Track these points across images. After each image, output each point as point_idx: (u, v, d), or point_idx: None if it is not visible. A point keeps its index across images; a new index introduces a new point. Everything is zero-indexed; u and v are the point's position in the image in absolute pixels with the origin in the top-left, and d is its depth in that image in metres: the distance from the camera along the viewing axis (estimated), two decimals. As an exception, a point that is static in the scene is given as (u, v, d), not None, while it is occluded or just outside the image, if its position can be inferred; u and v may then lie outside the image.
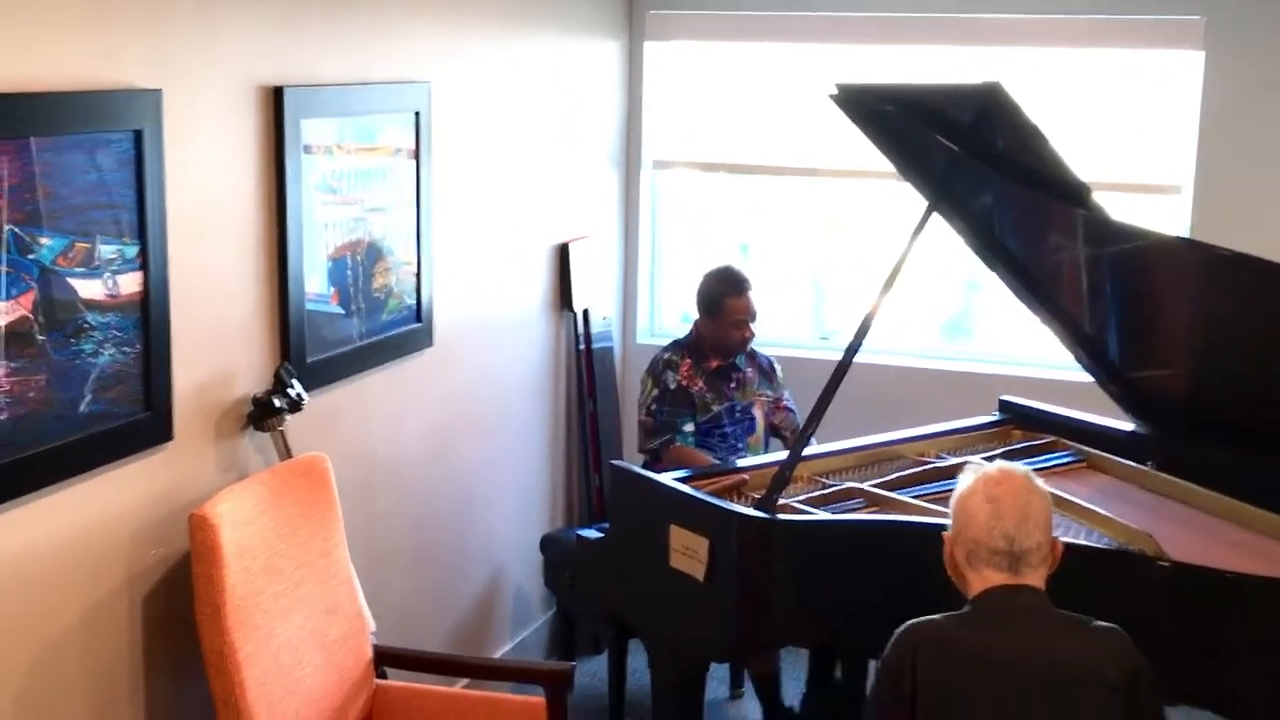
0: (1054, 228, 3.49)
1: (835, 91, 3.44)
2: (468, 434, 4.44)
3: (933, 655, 2.49)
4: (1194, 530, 3.62)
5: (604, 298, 5.36)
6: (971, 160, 3.30)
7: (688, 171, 5.64)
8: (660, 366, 4.48)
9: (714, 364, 4.50)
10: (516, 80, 4.55)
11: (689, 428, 4.40)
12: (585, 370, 5.13)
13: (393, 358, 3.92)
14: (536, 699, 3.38)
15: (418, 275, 3.99)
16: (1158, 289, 3.61)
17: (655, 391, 4.43)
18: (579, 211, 5.15)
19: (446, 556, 4.38)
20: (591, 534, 4.03)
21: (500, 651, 4.76)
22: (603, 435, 5.23)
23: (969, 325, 5.59)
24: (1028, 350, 5.24)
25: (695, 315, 4.58)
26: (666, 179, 5.63)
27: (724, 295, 4.42)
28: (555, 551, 4.74)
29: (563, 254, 4.99)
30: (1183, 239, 3.34)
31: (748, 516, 3.44)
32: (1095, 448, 4.17)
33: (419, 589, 4.17)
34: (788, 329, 5.54)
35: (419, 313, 4.01)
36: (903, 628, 2.56)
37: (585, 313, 5.12)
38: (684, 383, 4.43)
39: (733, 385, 4.52)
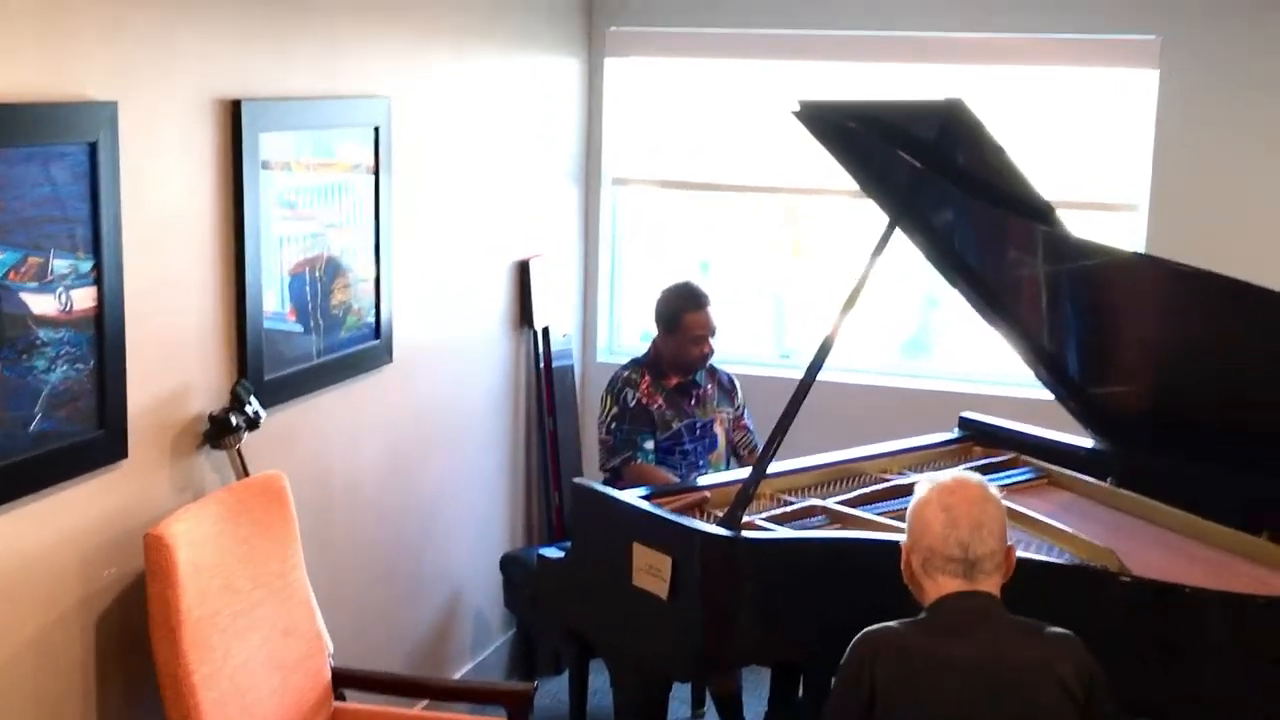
0: (1015, 244, 3.50)
1: (797, 108, 3.44)
2: (427, 452, 4.40)
3: (890, 660, 2.53)
4: (1155, 546, 3.63)
5: (564, 315, 5.33)
6: (934, 176, 3.30)
7: (647, 189, 5.63)
8: (619, 384, 4.45)
9: (673, 381, 4.48)
10: (476, 96, 4.53)
11: (649, 445, 4.37)
12: (545, 388, 5.10)
13: (351, 375, 3.87)
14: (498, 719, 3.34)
15: (376, 291, 3.95)
16: (1117, 305, 3.63)
17: (615, 409, 4.41)
18: (539, 228, 5.13)
19: (404, 576, 4.33)
20: (553, 553, 3.99)
21: (460, 672, 4.71)
22: (562, 453, 5.19)
23: (928, 343, 5.61)
24: (987, 368, 5.26)
25: (655, 332, 4.56)
26: (626, 196, 5.62)
27: (683, 310, 4.40)
28: (516, 571, 4.70)
29: (523, 271, 4.96)
30: (1142, 255, 3.37)
31: (711, 534, 3.42)
32: (1056, 464, 4.18)
33: (376, 609, 4.12)
34: (747, 346, 5.54)
35: (378, 329, 3.97)
36: (860, 635, 2.59)
37: (545, 330, 5.09)
38: (644, 400, 4.41)
39: (692, 402, 4.50)
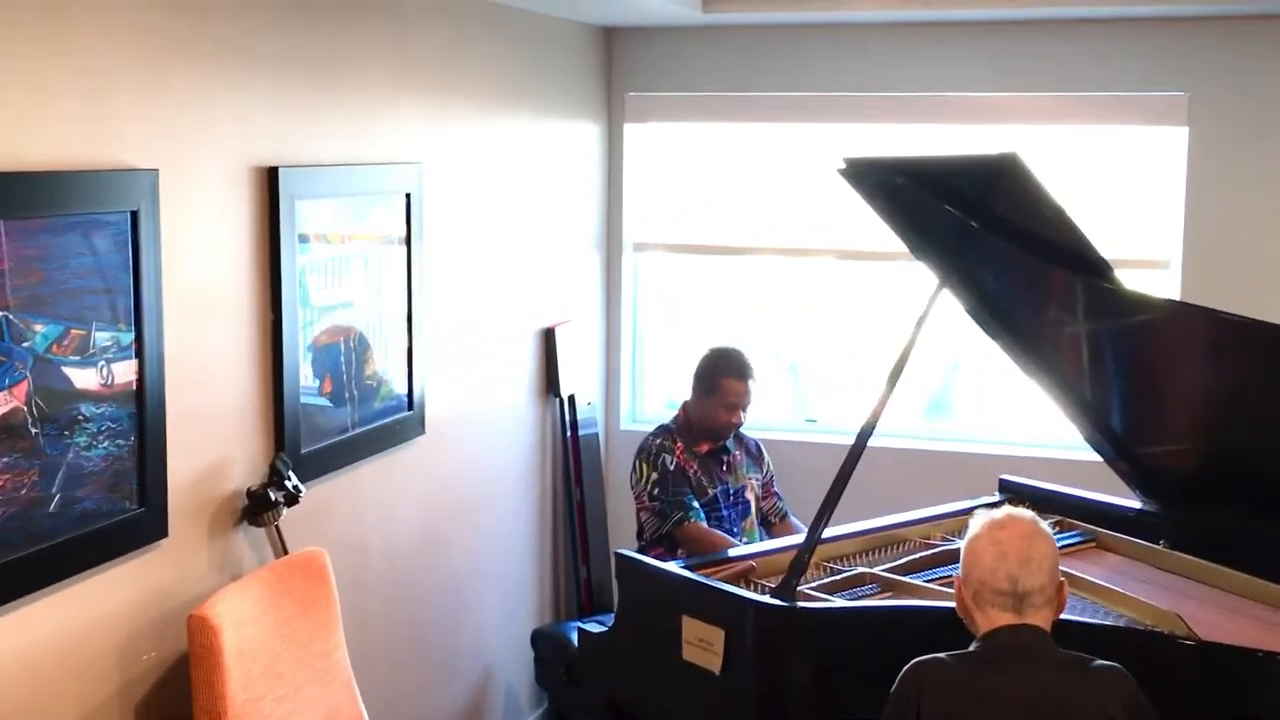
0: (1066, 299, 3.43)
1: (843, 165, 3.38)
2: (458, 525, 4.29)
3: (939, 692, 2.56)
4: (1216, 609, 3.53)
5: (588, 383, 5.24)
6: (984, 232, 3.23)
7: (667, 254, 5.56)
8: (654, 451, 4.37)
9: (705, 448, 4.41)
10: (500, 163, 4.47)
11: (696, 504, 4.27)
12: (573, 457, 5.00)
13: (385, 447, 3.78)
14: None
15: (409, 361, 3.86)
16: (1167, 359, 3.55)
17: (654, 475, 4.31)
18: (563, 295, 5.06)
19: (437, 651, 4.20)
20: (594, 627, 3.88)
21: (492, 752, 4.58)
22: (590, 524, 5.08)
23: (949, 405, 5.53)
24: (1011, 430, 5.22)
25: (680, 398, 4.48)
26: (647, 261, 5.56)
27: (723, 375, 4.34)
28: (547, 647, 4.58)
29: (548, 338, 4.88)
30: (1190, 305, 3.29)
31: (766, 605, 3.31)
32: (1102, 526, 4.09)
33: (410, 687, 3.99)
34: (768, 411, 5.44)
35: (410, 400, 3.88)
36: (909, 665, 2.62)
37: (571, 398, 5.00)
38: (680, 463, 4.33)
39: (724, 469, 4.42)
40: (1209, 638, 3.18)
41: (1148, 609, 3.39)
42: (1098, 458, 4.43)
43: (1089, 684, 2.54)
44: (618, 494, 5.34)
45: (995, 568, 2.59)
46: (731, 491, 4.41)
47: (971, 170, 3.22)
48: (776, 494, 4.57)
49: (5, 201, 2.40)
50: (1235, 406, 3.49)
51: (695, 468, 4.35)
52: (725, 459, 4.43)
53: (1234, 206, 4.77)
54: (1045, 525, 2.70)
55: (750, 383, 4.36)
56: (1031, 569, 2.59)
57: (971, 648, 2.65)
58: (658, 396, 5.62)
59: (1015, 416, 5.30)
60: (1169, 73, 4.78)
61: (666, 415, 5.42)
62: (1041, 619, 2.60)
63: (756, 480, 4.51)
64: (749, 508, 4.46)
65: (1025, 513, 2.72)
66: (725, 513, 4.38)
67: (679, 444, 4.38)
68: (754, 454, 4.55)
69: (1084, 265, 3.25)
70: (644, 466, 4.36)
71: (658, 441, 4.40)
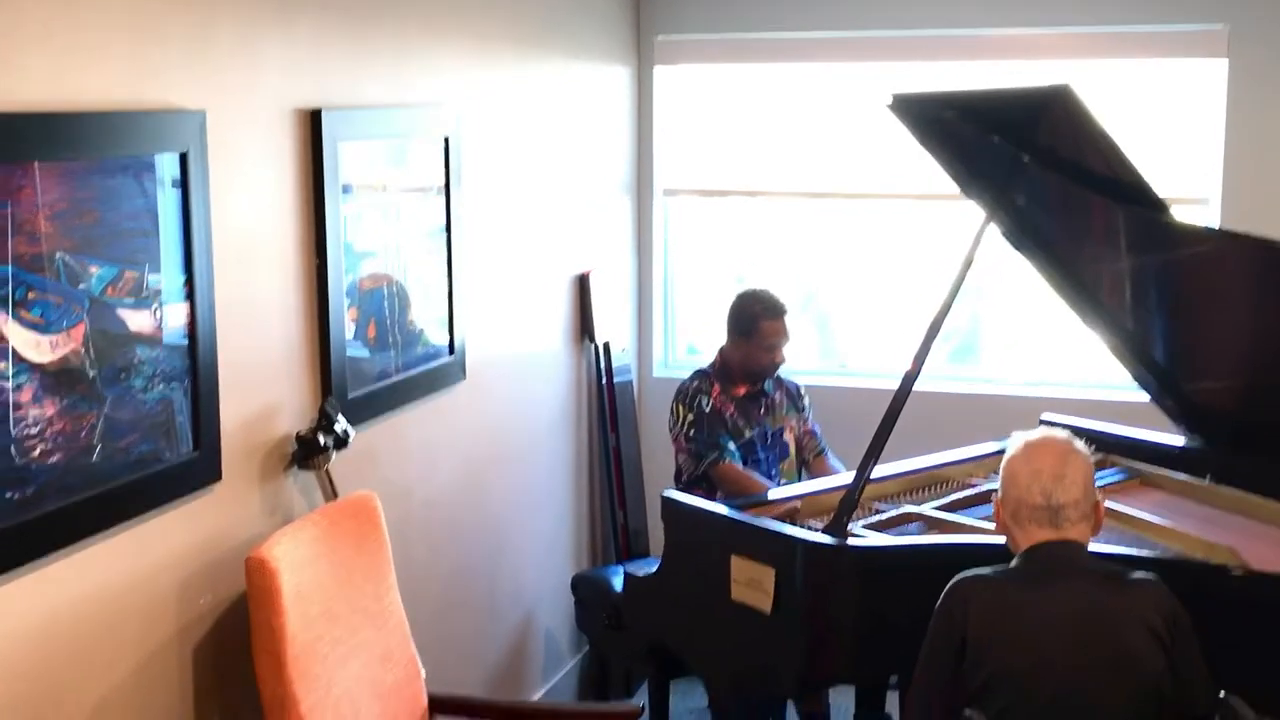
0: (1121, 233, 3.39)
1: (890, 101, 3.34)
2: (498, 471, 4.29)
3: (983, 606, 2.62)
4: (1264, 541, 3.52)
5: (622, 329, 5.22)
6: (1035, 164, 3.20)
7: (698, 199, 5.52)
8: (691, 393, 4.34)
9: (742, 390, 4.38)
10: (533, 108, 4.43)
11: (732, 445, 4.26)
12: (609, 403, 4.99)
13: (427, 393, 3.76)
14: (605, 743, 3.22)
15: (449, 307, 3.84)
16: (1219, 292, 3.51)
17: (690, 417, 4.29)
18: (596, 241, 5.03)
19: (480, 597, 4.21)
20: (640, 569, 3.88)
21: (535, 696, 4.59)
22: (625, 470, 5.08)
23: (976, 348, 5.50)
24: (1041, 371, 5.19)
25: (700, 349, 4.46)
26: (677, 207, 5.52)
27: (760, 317, 4.31)
28: (588, 591, 4.58)
29: (582, 284, 4.86)
30: (1249, 235, 3.24)
31: (818, 543, 3.30)
32: (1145, 463, 4.07)
33: (454, 632, 4.00)
34: (800, 357, 5.41)
35: (452, 345, 3.86)
36: (954, 580, 2.70)
37: (606, 345, 4.98)
38: (717, 405, 4.30)
39: (762, 411, 4.40)
40: (1263, 570, 3.17)
41: (1198, 543, 3.38)
42: (1133, 397, 4.42)
43: (1130, 596, 2.62)
44: (652, 441, 5.33)
45: (1030, 484, 2.66)
46: (769, 434, 4.39)
47: (1022, 103, 3.18)
48: (815, 433, 4.56)
49: (59, 141, 2.38)
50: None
51: (732, 410, 4.34)
52: (764, 401, 4.41)
53: (1275, 141, 4.70)
54: (1081, 444, 2.75)
55: (786, 320, 4.34)
56: (1066, 484, 2.65)
57: (1013, 564, 2.72)
58: (689, 342, 5.60)
59: (1046, 358, 5.28)
60: (1207, 4, 4.71)
61: (693, 360, 5.43)
62: (1079, 533, 2.67)
63: (796, 422, 4.49)
64: (787, 449, 4.44)
65: (1060, 431, 2.80)
66: (762, 455, 4.36)
67: (715, 387, 4.36)
68: (794, 396, 4.52)
69: (1135, 198, 3.21)
70: (680, 409, 4.34)
71: (694, 384, 4.38)
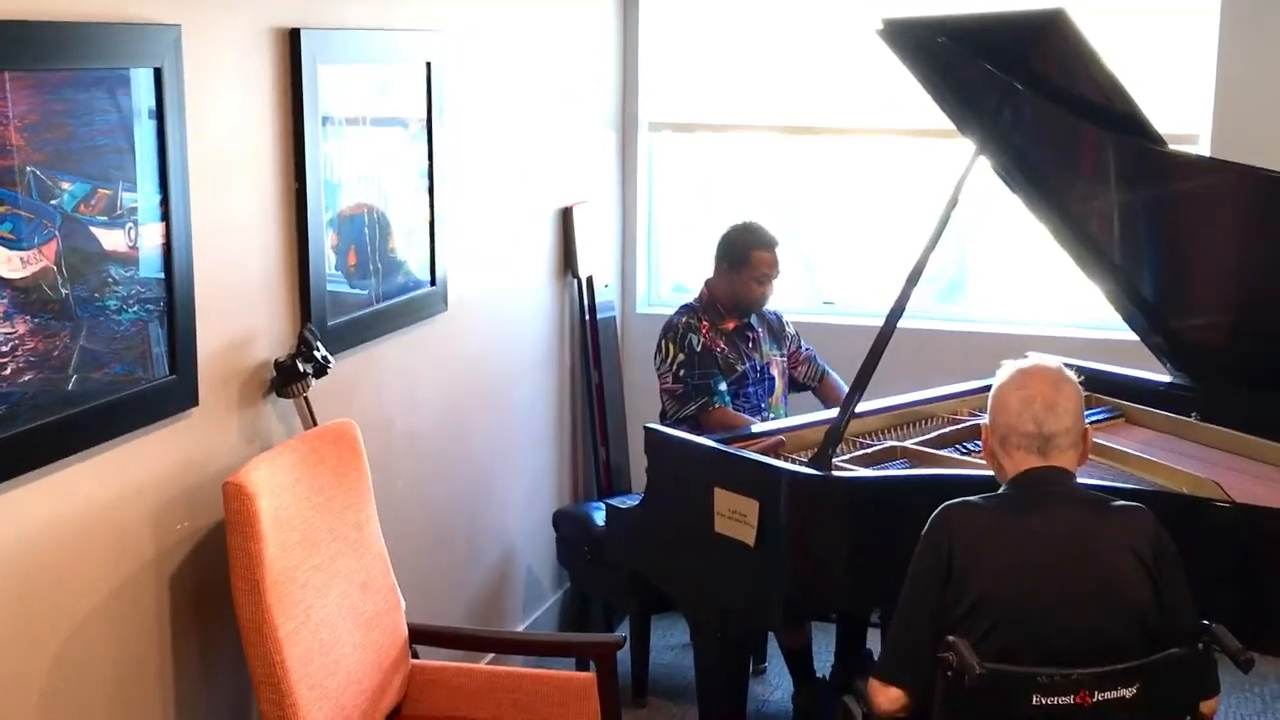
0: (1110, 162, 3.35)
1: (880, 26, 3.28)
2: (479, 404, 4.25)
3: (969, 530, 2.61)
4: (1249, 476, 3.52)
5: (605, 265, 5.17)
6: (1029, 92, 3.15)
7: (684, 135, 5.45)
8: (681, 330, 4.28)
9: (731, 324, 4.34)
10: (516, 36, 4.36)
11: (723, 387, 4.21)
12: (591, 339, 4.95)
13: (409, 323, 3.72)
14: (586, 674, 3.20)
15: (431, 236, 3.79)
16: (1209, 225, 3.49)
17: (680, 356, 4.24)
18: (580, 174, 4.97)
19: (461, 531, 4.18)
20: (623, 503, 3.86)
21: (517, 629, 4.57)
22: (608, 406, 5.04)
23: (963, 286, 5.47)
24: (1026, 311, 5.17)
25: (689, 287, 4.41)
26: (662, 141, 5.45)
27: (751, 247, 4.26)
28: (569, 527, 4.56)
29: (565, 218, 4.80)
30: (1245, 165, 3.21)
31: (802, 474, 3.28)
32: (1130, 401, 4.06)
33: (434, 566, 3.97)
34: (785, 295, 5.37)
35: (433, 276, 3.81)
36: (941, 508, 2.67)
37: (589, 280, 4.93)
38: (708, 344, 4.26)
39: (749, 345, 4.36)
40: (1246, 503, 3.17)
41: (1184, 477, 3.38)
42: (1119, 336, 4.40)
43: (1115, 521, 2.62)
44: (634, 377, 5.30)
45: (1021, 412, 2.62)
46: (758, 368, 4.35)
47: (1015, 27, 3.13)
48: (811, 357, 4.52)
49: (29, 51, 2.31)
50: (1269, 274, 3.44)
51: (722, 346, 4.29)
52: (750, 335, 4.37)
53: (1266, 79, 4.66)
54: (1071, 372, 2.72)
55: (777, 251, 4.29)
56: (1057, 413, 2.62)
57: (1001, 490, 2.70)
58: (675, 280, 5.56)
59: (1032, 297, 5.26)
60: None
61: (680, 299, 5.38)
62: (1066, 461, 2.65)
63: (780, 356, 4.45)
64: (774, 384, 4.41)
65: (1051, 359, 2.77)
66: (752, 389, 4.33)
67: (705, 322, 4.30)
68: (776, 329, 4.48)
69: (1130, 127, 3.17)
70: (670, 346, 4.28)
71: (683, 320, 4.32)
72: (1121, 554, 2.55)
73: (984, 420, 2.77)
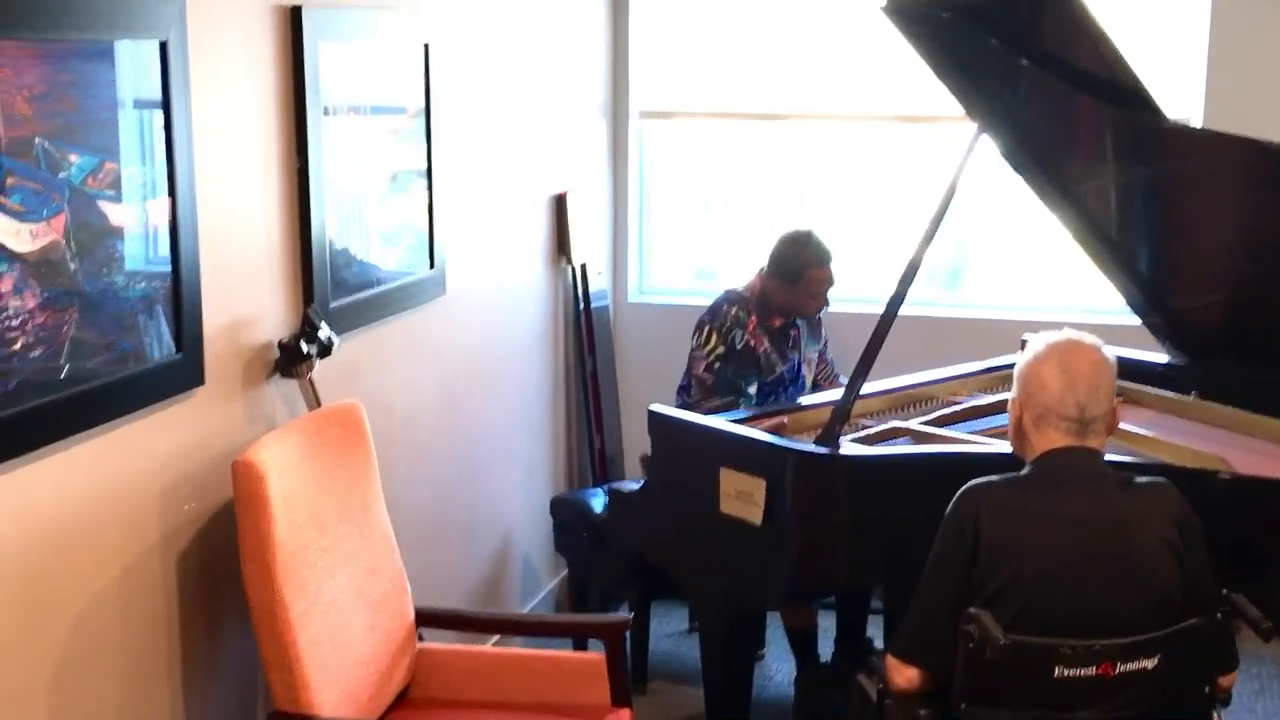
0: (1111, 135, 3.35)
1: (885, 3, 3.27)
2: (478, 390, 4.22)
3: (996, 512, 2.55)
4: (1250, 452, 3.55)
5: (598, 252, 5.15)
6: (1034, 68, 3.14)
7: (675, 122, 5.43)
8: (728, 322, 4.13)
9: (777, 323, 4.21)
10: (510, 21, 4.33)
11: (752, 390, 4.11)
12: (585, 326, 4.92)
13: (409, 306, 3.69)
14: (596, 655, 3.17)
15: (430, 218, 3.76)
16: (1208, 198, 3.48)
17: (720, 349, 4.11)
18: (573, 161, 4.95)
19: (460, 517, 4.16)
20: (624, 487, 3.84)
21: (514, 617, 4.55)
22: (602, 394, 5.02)
23: (960, 273, 5.47)
24: (1027, 297, 5.18)
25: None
26: (653, 129, 5.43)
27: (806, 267, 4.10)
28: (567, 514, 4.52)
29: (559, 204, 4.78)
30: (1244, 136, 3.21)
31: (810, 453, 3.27)
32: (1130, 381, 4.06)
33: (434, 550, 3.94)
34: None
35: (432, 259, 3.78)
36: (965, 488, 2.62)
37: (583, 267, 4.91)
38: (751, 342, 4.13)
39: (790, 344, 4.27)
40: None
41: (1188, 453, 3.38)
42: (1116, 320, 4.42)
43: (1143, 501, 2.59)
44: (627, 367, 5.28)
45: (1064, 395, 2.58)
46: (795, 367, 4.27)
47: (1020, 2, 3.12)
48: (828, 359, 4.45)
49: (36, 20, 2.27)
50: (1267, 248, 3.44)
51: (765, 345, 4.16)
52: (792, 334, 4.26)
53: (1258, 60, 4.67)
54: (1107, 350, 2.68)
55: (832, 266, 4.14)
56: (1099, 396, 2.59)
57: (1025, 471, 2.65)
58: (665, 269, 5.53)
59: (1028, 284, 5.26)
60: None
61: (672, 289, 5.38)
62: (1099, 442, 2.62)
63: (814, 353, 4.38)
64: (804, 383, 4.33)
65: (1089, 337, 2.69)
66: (788, 390, 4.22)
67: (753, 317, 4.16)
68: (814, 325, 4.36)
69: (1133, 101, 3.17)
70: (713, 334, 4.14)
71: (733, 311, 4.15)
72: (1151, 537, 2.52)
73: (1011, 395, 2.71)
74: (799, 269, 4.12)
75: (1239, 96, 4.68)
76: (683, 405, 4.10)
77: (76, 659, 2.48)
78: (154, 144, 2.59)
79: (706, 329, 4.17)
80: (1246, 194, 3.33)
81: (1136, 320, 4.06)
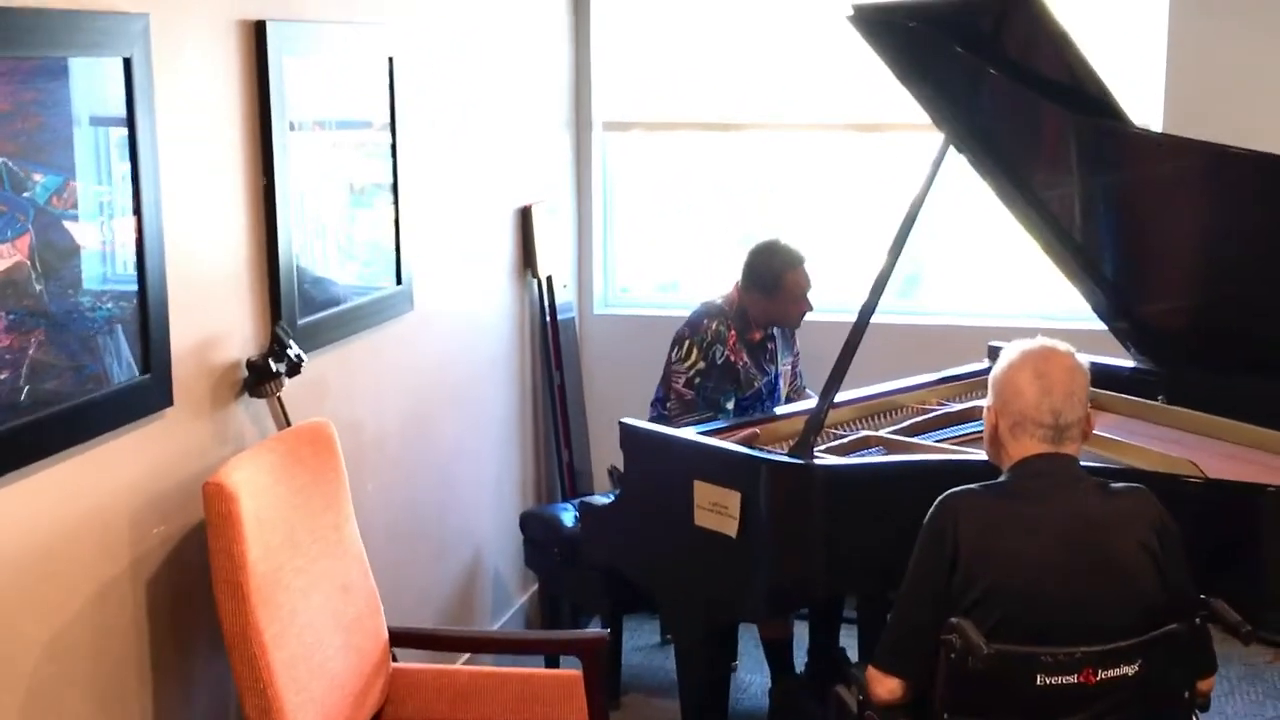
0: (1076, 144, 3.37)
1: (851, 12, 3.27)
2: (447, 405, 4.19)
3: (974, 519, 2.56)
4: (1218, 456, 3.56)
5: (563, 264, 5.13)
6: (1000, 76, 3.16)
7: (640, 134, 5.42)
8: (709, 337, 4.11)
9: (757, 336, 4.20)
10: (472, 34, 4.31)
11: (730, 405, 4.10)
12: (552, 339, 4.90)
13: (377, 323, 3.65)
14: (572, 672, 3.15)
15: (396, 235, 3.73)
16: (1169, 204, 3.50)
17: (702, 364, 4.09)
18: (537, 173, 4.93)
19: (429, 534, 4.12)
20: (595, 501, 3.82)
21: (485, 634, 4.51)
22: (570, 408, 5.00)
23: (920, 280, 5.49)
24: (991, 303, 5.20)
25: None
26: (616, 140, 5.42)
27: (781, 271, 4.08)
28: (538, 529, 4.50)
29: (525, 217, 4.75)
30: (1201, 142, 3.24)
31: (785, 463, 3.26)
32: (1095, 386, 4.08)
33: (404, 568, 3.90)
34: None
35: (399, 275, 3.75)
36: (943, 496, 2.62)
37: (549, 279, 4.89)
38: (731, 358, 4.12)
39: (767, 357, 4.25)
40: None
41: (1158, 457, 3.40)
42: (1080, 325, 4.43)
43: (1121, 507, 2.59)
44: (593, 381, 5.26)
45: (1040, 402, 2.59)
46: (773, 379, 4.26)
47: (985, 10, 3.13)
48: (799, 372, 4.44)
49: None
50: (1231, 253, 3.47)
51: (744, 359, 4.15)
52: (769, 346, 4.25)
53: (1218, 64, 4.70)
54: (1080, 357, 2.69)
55: (806, 266, 4.13)
56: (1074, 402, 2.61)
57: (1002, 479, 2.66)
58: (630, 281, 5.52)
59: (989, 290, 5.29)
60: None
61: (629, 300, 5.36)
62: (1074, 448, 2.63)
63: (788, 365, 4.37)
64: (780, 395, 4.33)
65: (1062, 344, 2.70)
66: (766, 405, 4.21)
67: (733, 331, 4.14)
68: (788, 336, 4.36)
69: (1098, 109, 3.18)
70: (693, 349, 4.11)
71: (713, 326, 4.13)
72: (1130, 542, 2.53)
73: (986, 402, 2.72)
74: (776, 276, 4.10)
75: (1198, 101, 4.72)
76: (657, 418, 4.09)
77: (47, 686, 2.43)
78: (119, 162, 2.55)
79: (687, 343, 4.14)
80: (1210, 199, 3.36)
81: (1101, 325, 4.09)
